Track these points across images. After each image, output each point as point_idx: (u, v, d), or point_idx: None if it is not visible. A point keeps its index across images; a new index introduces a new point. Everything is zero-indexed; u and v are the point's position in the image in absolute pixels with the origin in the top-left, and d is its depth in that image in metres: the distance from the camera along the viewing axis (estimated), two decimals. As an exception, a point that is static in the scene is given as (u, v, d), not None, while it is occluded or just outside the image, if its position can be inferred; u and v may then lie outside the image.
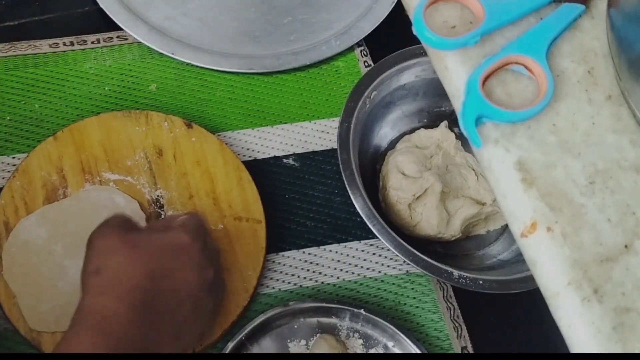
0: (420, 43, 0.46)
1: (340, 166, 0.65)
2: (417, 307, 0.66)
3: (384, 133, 0.75)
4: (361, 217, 0.63)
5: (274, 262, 0.67)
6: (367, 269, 0.67)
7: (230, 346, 0.59)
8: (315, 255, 0.68)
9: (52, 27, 0.77)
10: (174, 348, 0.49)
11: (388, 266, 0.68)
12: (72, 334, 0.45)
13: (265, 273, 0.66)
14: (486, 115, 0.43)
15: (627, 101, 0.44)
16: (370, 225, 0.63)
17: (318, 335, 0.62)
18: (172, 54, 0.73)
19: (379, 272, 0.67)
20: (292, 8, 0.80)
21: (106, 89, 0.73)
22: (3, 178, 0.66)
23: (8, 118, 0.70)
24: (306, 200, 0.70)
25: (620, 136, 0.44)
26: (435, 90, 0.74)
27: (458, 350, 0.64)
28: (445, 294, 0.67)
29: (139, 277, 0.47)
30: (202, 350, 0.60)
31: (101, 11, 0.75)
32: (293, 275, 0.66)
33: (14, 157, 0.68)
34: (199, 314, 0.51)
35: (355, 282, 0.67)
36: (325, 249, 0.68)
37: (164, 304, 0.48)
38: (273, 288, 0.66)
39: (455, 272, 0.62)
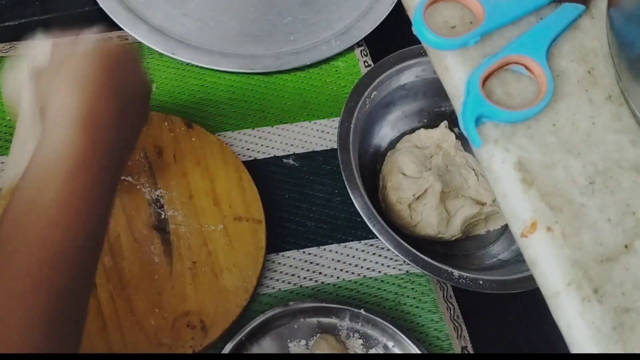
0: (420, 43, 0.46)
1: (340, 166, 0.65)
2: (417, 307, 0.66)
3: (384, 133, 0.75)
4: (361, 217, 0.63)
5: (274, 262, 0.67)
6: (367, 269, 0.67)
7: (230, 346, 0.59)
8: (315, 255, 0.68)
9: (52, 27, 0.77)
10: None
11: (388, 266, 0.68)
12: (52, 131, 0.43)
13: (265, 273, 0.66)
14: (486, 115, 0.43)
15: (627, 101, 0.43)
16: (370, 225, 0.63)
17: (318, 335, 0.62)
18: (172, 54, 0.73)
19: (379, 272, 0.67)
20: (292, 8, 0.80)
21: (106, 89, 0.73)
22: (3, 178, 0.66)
23: (8, 118, 0.70)
24: (306, 200, 0.70)
25: (620, 136, 0.44)
26: (435, 90, 0.74)
27: (458, 350, 0.64)
28: (445, 294, 0.67)
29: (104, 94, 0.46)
30: (202, 350, 0.60)
31: (101, 11, 0.75)
32: (293, 275, 0.66)
33: (14, 157, 0.68)
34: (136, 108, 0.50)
35: (355, 282, 0.67)
36: (325, 249, 0.68)
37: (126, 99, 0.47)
38: (273, 288, 0.66)
39: (455, 272, 0.62)
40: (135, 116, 0.50)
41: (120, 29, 0.74)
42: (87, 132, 0.43)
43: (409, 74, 0.72)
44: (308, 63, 0.76)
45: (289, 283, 0.66)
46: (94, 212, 0.43)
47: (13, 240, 0.39)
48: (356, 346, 0.62)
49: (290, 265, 0.67)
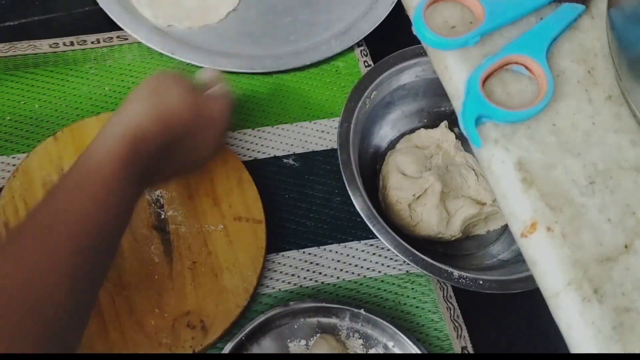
0: (420, 43, 0.46)
1: (340, 166, 0.65)
2: (417, 307, 0.66)
3: (384, 133, 0.75)
4: (361, 217, 0.63)
5: (274, 262, 0.67)
6: (367, 269, 0.67)
7: (230, 346, 0.59)
8: (315, 255, 0.68)
9: (52, 27, 0.77)
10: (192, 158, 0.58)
11: (388, 266, 0.68)
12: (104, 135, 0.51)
13: (265, 273, 0.66)
14: (486, 115, 0.43)
15: (627, 101, 0.44)
16: (370, 225, 0.63)
17: (318, 335, 0.62)
18: (172, 54, 0.73)
19: (379, 272, 0.67)
20: (292, 8, 0.80)
21: (106, 89, 0.73)
22: (3, 178, 0.66)
23: (8, 118, 0.70)
24: (306, 200, 0.70)
25: (620, 136, 0.44)
26: (435, 90, 0.74)
27: (458, 350, 0.64)
28: (445, 294, 0.67)
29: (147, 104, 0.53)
30: (202, 350, 0.60)
31: (101, 11, 0.75)
32: (293, 275, 0.66)
33: (14, 157, 0.68)
34: (207, 133, 0.58)
35: (355, 282, 0.67)
36: (325, 249, 0.68)
37: (178, 121, 0.54)
38: (273, 288, 0.66)
39: (455, 272, 0.62)
40: (189, 157, 0.58)
41: (120, 29, 0.74)
42: (127, 148, 0.50)
43: (409, 74, 0.72)
44: (308, 63, 0.76)
45: (289, 283, 0.66)
46: (116, 212, 0.49)
47: (61, 203, 0.47)
48: (356, 346, 0.62)
49: (290, 265, 0.67)
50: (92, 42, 0.75)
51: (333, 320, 0.63)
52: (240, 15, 0.79)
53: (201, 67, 0.74)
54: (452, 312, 0.66)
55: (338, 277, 0.67)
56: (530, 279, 0.56)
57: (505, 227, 0.72)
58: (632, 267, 0.40)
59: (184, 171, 0.62)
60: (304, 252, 0.68)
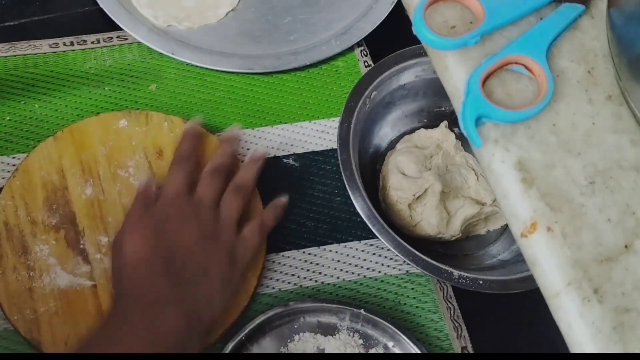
0: (420, 43, 0.46)
1: (340, 166, 0.65)
2: (417, 307, 0.66)
3: (384, 133, 0.75)
4: (361, 217, 0.63)
5: (274, 262, 0.67)
6: (367, 269, 0.67)
7: (230, 346, 0.59)
8: (315, 255, 0.68)
9: (52, 27, 0.77)
10: (209, 314, 0.55)
11: (388, 266, 0.68)
12: (113, 318, 0.51)
13: (265, 273, 0.66)
14: (486, 115, 0.43)
15: (627, 101, 0.44)
16: (370, 225, 0.63)
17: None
18: (172, 54, 0.73)
19: (379, 272, 0.67)
20: (292, 8, 0.80)
21: (106, 89, 0.73)
22: (3, 178, 0.66)
23: (8, 118, 0.70)
24: (306, 200, 0.70)
25: (620, 136, 0.44)
26: (435, 90, 0.74)
27: (458, 350, 0.64)
28: (445, 294, 0.67)
29: (142, 250, 0.54)
30: (202, 350, 0.60)
31: (101, 11, 0.75)
32: (293, 275, 0.66)
33: (14, 157, 0.68)
34: (210, 261, 0.57)
35: (355, 282, 0.67)
36: (325, 249, 0.68)
37: (172, 263, 0.54)
38: (273, 288, 0.66)
39: (455, 272, 0.62)
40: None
41: (120, 29, 0.74)
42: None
43: (409, 74, 0.72)
44: (308, 63, 0.76)
45: (289, 283, 0.66)
46: None
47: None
48: (356, 346, 0.62)
49: (290, 265, 0.67)
50: (92, 42, 0.75)
51: (333, 320, 0.63)
52: (239, 15, 0.79)
53: (201, 67, 0.74)
54: (452, 312, 0.66)
55: (338, 277, 0.67)
56: (530, 279, 0.56)
57: (505, 227, 0.72)
58: (632, 267, 0.40)
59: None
60: (303, 252, 0.68)
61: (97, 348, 0.47)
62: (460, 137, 0.74)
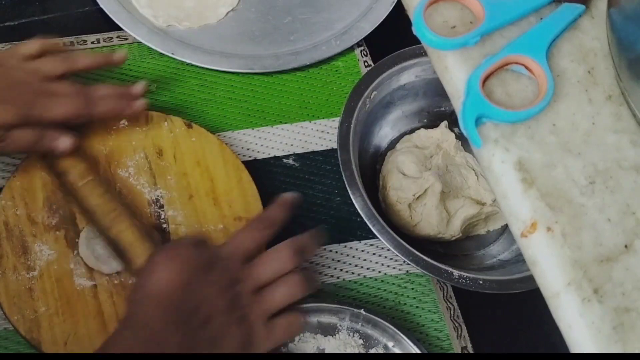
0: (420, 43, 0.46)
1: (340, 166, 0.65)
2: (417, 307, 0.66)
3: (384, 133, 0.75)
4: (361, 217, 0.63)
5: (274, 262, 0.67)
6: (367, 269, 0.67)
7: (230, 346, 0.59)
8: (315, 255, 0.68)
9: (52, 27, 0.77)
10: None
11: (388, 266, 0.68)
12: (114, 338, 0.49)
13: (265, 273, 0.66)
14: (486, 115, 0.43)
15: (627, 101, 0.44)
16: (370, 225, 0.63)
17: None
18: (172, 54, 0.73)
19: (379, 272, 0.67)
20: (292, 8, 0.80)
21: (106, 89, 0.73)
22: (3, 178, 0.66)
23: (8, 118, 0.70)
24: (306, 200, 0.70)
25: (620, 136, 0.44)
26: (435, 90, 0.74)
27: (458, 350, 0.64)
28: (445, 294, 0.67)
29: (175, 287, 0.50)
30: (202, 350, 0.60)
31: (101, 11, 0.75)
32: (293, 275, 0.66)
33: (14, 157, 0.68)
34: (229, 328, 0.51)
35: (355, 282, 0.67)
36: (325, 249, 0.68)
37: (196, 314, 0.50)
38: (273, 288, 0.66)
39: (455, 272, 0.62)
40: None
41: (120, 29, 0.74)
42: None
43: (409, 74, 0.72)
44: (308, 63, 0.76)
45: (289, 283, 0.66)
46: None
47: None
48: (356, 346, 0.62)
49: (290, 265, 0.67)
50: (92, 42, 0.75)
51: (333, 320, 0.63)
52: (239, 15, 0.79)
53: (201, 67, 0.74)
54: (452, 312, 0.66)
55: (338, 277, 0.67)
56: (530, 279, 0.56)
57: (505, 227, 0.72)
58: (632, 267, 0.40)
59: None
60: (304, 252, 0.68)
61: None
62: (460, 137, 0.74)
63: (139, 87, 0.66)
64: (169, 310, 0.49)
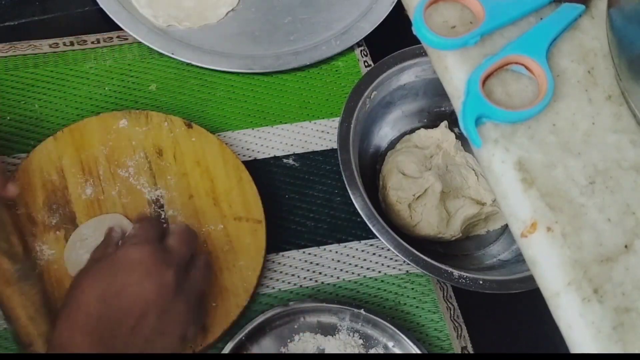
0: (420, 43, 0.46)
1: (340, 166, 0.65)
2: (417, 307, 0.66)
3: (384, 133, 0.75)
4: (361, 217, 0.63)
5: (274, 262, 0.67)
6: (367, 269, 0.67)
7: (230, 346, 0.59)
8: (315, 255, 0.68)
9: (52, 27, 0.77)
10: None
11: (388, 266, 0.68)
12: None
13: (265, 273, 0.66)
14: (486, 115, 0.43)
15: (627, 101, 0.44)
16: (370, 225, 0.63)
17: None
18: (172, 54, 0.73)
19: (379, 272, 0.67)
20: (292, 8, 0.80)
21: (106, 89, 0.73)
22: (3, 178, 0.66)
23: (8, 118, 0.70)
24: (306, 200, 0.70)
25: (620, 136, 0.44)
26: (435, 90, 0.74)
27: (458, 350, 0.64)
28: (445, 294, 0.67)
29: (89, 303, 0.50)
30: (202, 350, 0.60)
31: (101, 11, 0.75)
32: (293, 275, 0.66)
33: (14, 157, 0.68)
34: (168, 318, 0.51)
35: (355, 282, 0.67)
36: (325, 249, 0.68)
37: (122, 322, 0.49)
38: (273, 288, 0.66)
39: (455, 272, 0.62)
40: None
41: (120, 29, 0.74)
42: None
43: (409, 74, 0.72)
44: (308, 63, 0.76)
45: (289, 283, 0.66)
46: None
47: None
48: (356, 346, 0.62)
49: (290, 265, 0.67)
50: (92, 42, 0.75)
51: (333, 320, 0.63)
52: (239, 15, 0.79)
53: (201, 67, 0.74)
54: (452, 312, 0.66)
55: (338, 277, 0.67)
56: (530, 279, 0.56)
57: (505, 227, 0.72)
58: (632, 267, 0.40)
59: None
60: (303, 252, 0.68)
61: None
62: (460, 137, 0.74)
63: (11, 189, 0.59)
64: (90, 328, 0.49)
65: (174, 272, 0.52)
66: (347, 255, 0.68)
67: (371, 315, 0.62)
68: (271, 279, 0.66)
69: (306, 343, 0.62)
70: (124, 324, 0.49)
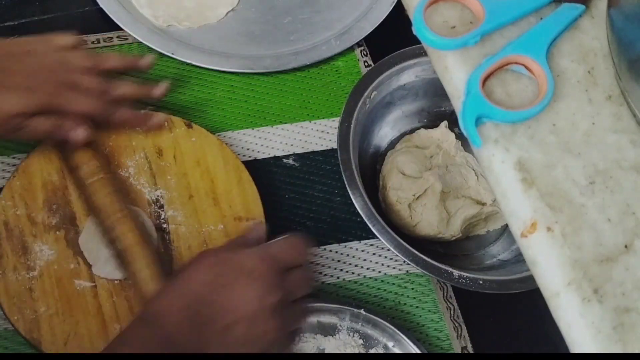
0: (420, 43, 0.46)
1: (340, 166, 0.65)
2: (417, 307, 0.66)
3: (384, 133, 0.75)
4: (361, 217, 0.63)
5: (274, 262, 0.67)
6: (367, 269, 0.67)
7: (230, 346, 0.59)
8: (315, 255, 0.68)
9: (52, 27, 0.76)
10: None
11: (388, 266, 0.68)
12: (130, 327, 0.50)
13: (265, 273, 0.66)
14: (486, 115, 0.43)
15: (627, 101, 0.44)
16: (370, 225, 0.63)
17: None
18: (172, 54, 0.73)
19: (379, 272, 0.67)
20: (292, 8, 0.80)
21: (106, 89, 0.73)
22: (3, 178, 0.66)
23: (8, 118, 0.70)
24: (306, 200, 0.70)
25: (620, 136, 0.44)
26: (435, 90, 0.74)
27: (458, 350, 0.64)
28: (445, 294, 0.67)
29: (197, 281, 0.50)
30: (202, 350, 0.60)
31: (101, 11, 0.75)
32: (293, 275, 0.66)
33: (14, 157, 0.68)
34: (252, 336, 0.50)
35: (355, 282, 0.67)
36: (325, 249, 0.68)
37: (216, 313, 0.49)
38: (273, 288, 0.66)
39: (455, 272, 0.62)
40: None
41: (120, 29, 0.74)
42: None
43: (409, 74, 0.72)
44: (308, 63, 0.76)
45: (289, 283, 0.66)
46: None
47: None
48: (356, 346, 0.62)
49: (290, 265, 0.67)
50: (92, 42, 0.75)
51: (333, 320, 0.63)
52: (239, 15, 0.79)
53: (201, 67, 0.74)
54: (452, 312, 0.66)
55: (338, 277, 0.67)
56: (530, 279, 0.56)
57: (505, 227, 0.72)
58: (632, 267, 0.40)
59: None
60: (304, 252, 0.68)
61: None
62: (460, 137, 0.74)
63: (160, 88, 0.67)
64: (187, 304, 0.49)
65: (280, 299, 0.52)
66: (347, 255, 0.68)
67: (371, 315, 0.62)
68: (271, 279, 0.66)
69: (306, 343, 0.62)
70: (216, 315, 0.49)
